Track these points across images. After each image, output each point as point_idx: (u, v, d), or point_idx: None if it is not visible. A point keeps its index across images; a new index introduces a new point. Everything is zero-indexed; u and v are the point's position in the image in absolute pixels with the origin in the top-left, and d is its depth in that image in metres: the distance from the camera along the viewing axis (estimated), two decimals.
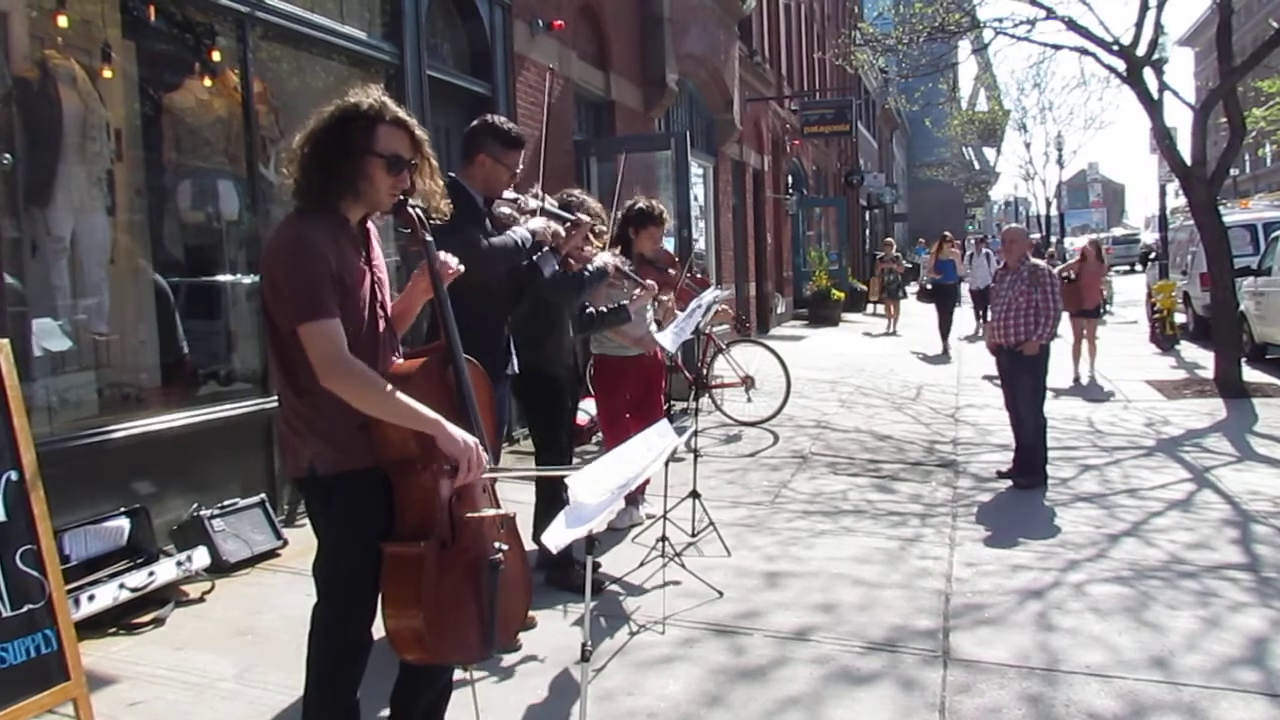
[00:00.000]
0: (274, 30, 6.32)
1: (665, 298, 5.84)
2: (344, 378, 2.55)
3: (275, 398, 6.13)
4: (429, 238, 2.81)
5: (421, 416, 2.57)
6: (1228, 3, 11.19)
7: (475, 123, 4.34)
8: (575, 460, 5.36)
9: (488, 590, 2.73)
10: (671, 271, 6.54)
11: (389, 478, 2.68)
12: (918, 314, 20.00)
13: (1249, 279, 13.26)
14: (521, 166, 4.40)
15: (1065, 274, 12.25)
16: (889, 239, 23.80)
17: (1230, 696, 3.76)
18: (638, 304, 5.34)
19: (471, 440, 2.62)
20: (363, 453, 2.63)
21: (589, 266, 4.73)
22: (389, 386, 2.57)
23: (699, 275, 10.13)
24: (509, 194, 4.36)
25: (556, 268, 4.42)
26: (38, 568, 3.31)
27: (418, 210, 2.79)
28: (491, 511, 2.84)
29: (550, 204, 4.59)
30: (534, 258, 4.32)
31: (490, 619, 2.74)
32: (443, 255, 2.86)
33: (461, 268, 2.93)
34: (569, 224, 4.52)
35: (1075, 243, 39.69)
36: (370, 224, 2.85)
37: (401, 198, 2.75)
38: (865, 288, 25.61)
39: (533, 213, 4.39)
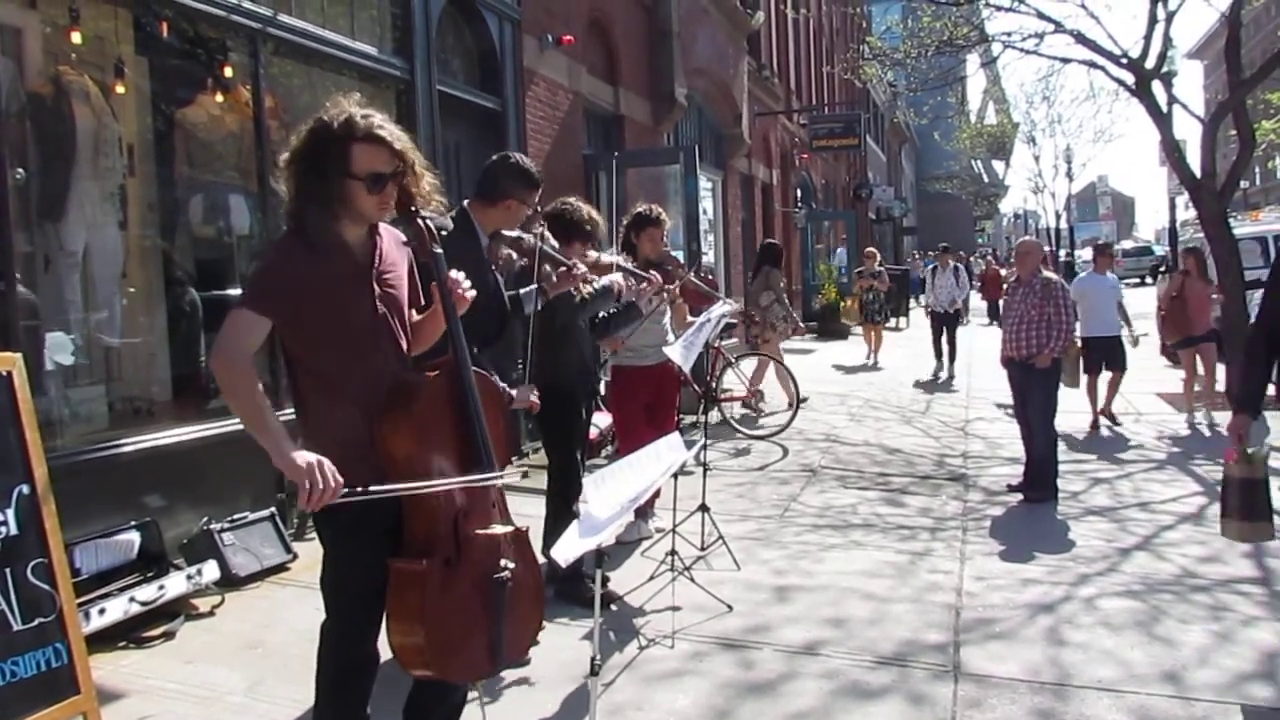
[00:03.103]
0: (286, 46, 6.37)
1: (672, 292, 5.80)
2: (226, 363, 2.51)
3: (285, 411, 6.15)
4: (438, 250, 2.77)
5: (267, 434, 2.49)
6: (1236, 16, 11.19)
7: (500, 164, 4.24)
8: (585, 473, 5.35)
9: (495, 607, 2.72)
10: (677, 270, 6.53)
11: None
12: (917, 337, 17.74)
13: (1260, 291, 13.17)
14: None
15: (1172, 293, 10.37)
16: (870, 250, 18.59)
17: (1243, 712, 3.74)
18: (645, 298, 5.34)
19: (312, 460, 2.45)
20: (366, 469, 2.57)
21: (592, 287, 4.72)
22: (256, 399, 2.50)
23: (708, 276, 10.15)
24: (511, 232, 4.26)
25: (539, 308, 4.31)
26: (49, 581, 3.32)
27: (428, 223, 2.76)
28: (500, 528, 2.80)
29: (551, 246, 4.53)
30: (519, 292, 4.26)
31: (497, 636, 2.73)
32: (453, 272, 2.81)
33: (470, 294, 2.84)
34: (562, 268, 4.41)
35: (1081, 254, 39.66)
36: (383, 234, 2.78)
37: (412, 209, 2.72)
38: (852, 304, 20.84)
39: (530, 252, 4.33)
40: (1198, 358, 10.08)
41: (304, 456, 2.45)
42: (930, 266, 15.61)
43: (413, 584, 2.63)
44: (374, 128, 2.60)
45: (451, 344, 2.76)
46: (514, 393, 4.11)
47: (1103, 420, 9.80)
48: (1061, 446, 7.31)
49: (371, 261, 2.72)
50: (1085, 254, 39.93)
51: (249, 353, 2.53)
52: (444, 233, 2.85)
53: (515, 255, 4.30)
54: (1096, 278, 10.06)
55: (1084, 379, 9.65)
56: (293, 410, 2.77)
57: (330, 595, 2.79)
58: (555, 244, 4.56)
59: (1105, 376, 9.85)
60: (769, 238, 20.08)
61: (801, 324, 13.90)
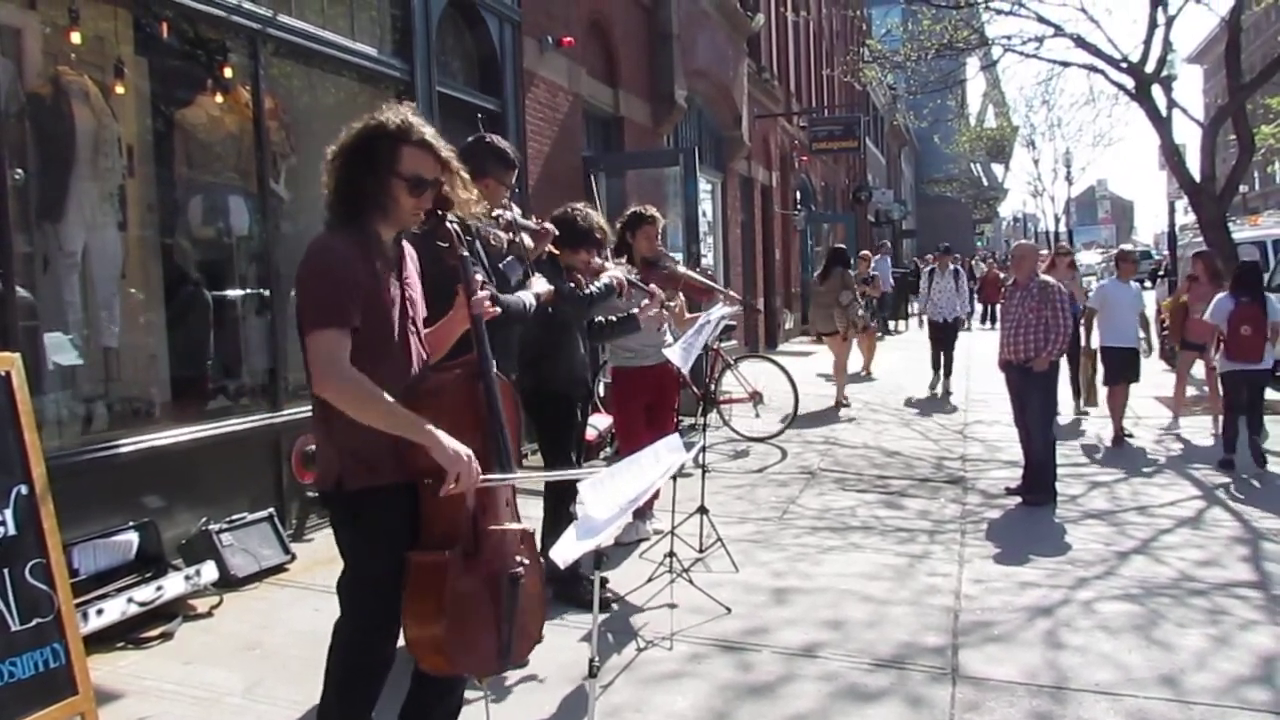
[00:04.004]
0: (285, 47, 6.37)
1: (674, 303, 5.81)
2: (339, 386, 2.55)
3: (284, 412, 6.16)
4: (465, 253, 2.82)
5: (416, 427, 2.56)
6: (1236, 20, 11.23)
7: (477, 145, 4.27)
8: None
9: (508, 603, 2.75)
10: (675, 267, 6.55)
11: (418, 489, 2.68)
12: (916, 340, 16.83)
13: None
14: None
15: (1180, 296, 10.21)
16: (864, 252, 17.24)
17: (1241, 715, 3.74)
18: (646, 313, 5.34)
19: (466, 452, 2.58)
20: (393, 468, 2.63)
21: (596, 284, 4.73)
22: (385, 398, 2.55)
23: (708, 272, 10.16)
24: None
25: (520, 276, 4.32)
26: (47, 582, 3.32)
27: (455, 227, 2.81)
28: (514, 525, 2.85)
29: (518, 215, 4.54)
30: (500, 265, 4.29)
31: (508, 632, 2.76)
32: (479, 277, 2.87)
33: (495, 310, 2.92)
34: (533, 232, 4.49)
35: (1086, 259, 39.59)
36: (405, 244, 2.86)
37: (440, 212, 2.77)
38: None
39: (509, 227, 4.37)
40: (1199, 362, 9.82)
41: (462, 448, 2.59)
42: (928, 269, 14.22)
43: (435, 576, 2.64)
44: (426, 135, 2.73)
45: (476, 344, 2.80)
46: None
47: (1109, 436, 9.31)
48: (1060, 450, 7.30)
49: (400, 267, 2.80)
50: (1084, 256, 39.97)
51: (349, 364, 2.55)
52: (469, 237, 2.89)
53: (500, 233, 4.31)
54: (1119, 285, 9.50)
55: (1103, 391, 9.48)
56: (309, 409, 2.79)
57: (349, 597, 2.80)
58: (519, 211, 4.57)
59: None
60: (768, 240, 20.19)
61: (872, 326, 13.86)
